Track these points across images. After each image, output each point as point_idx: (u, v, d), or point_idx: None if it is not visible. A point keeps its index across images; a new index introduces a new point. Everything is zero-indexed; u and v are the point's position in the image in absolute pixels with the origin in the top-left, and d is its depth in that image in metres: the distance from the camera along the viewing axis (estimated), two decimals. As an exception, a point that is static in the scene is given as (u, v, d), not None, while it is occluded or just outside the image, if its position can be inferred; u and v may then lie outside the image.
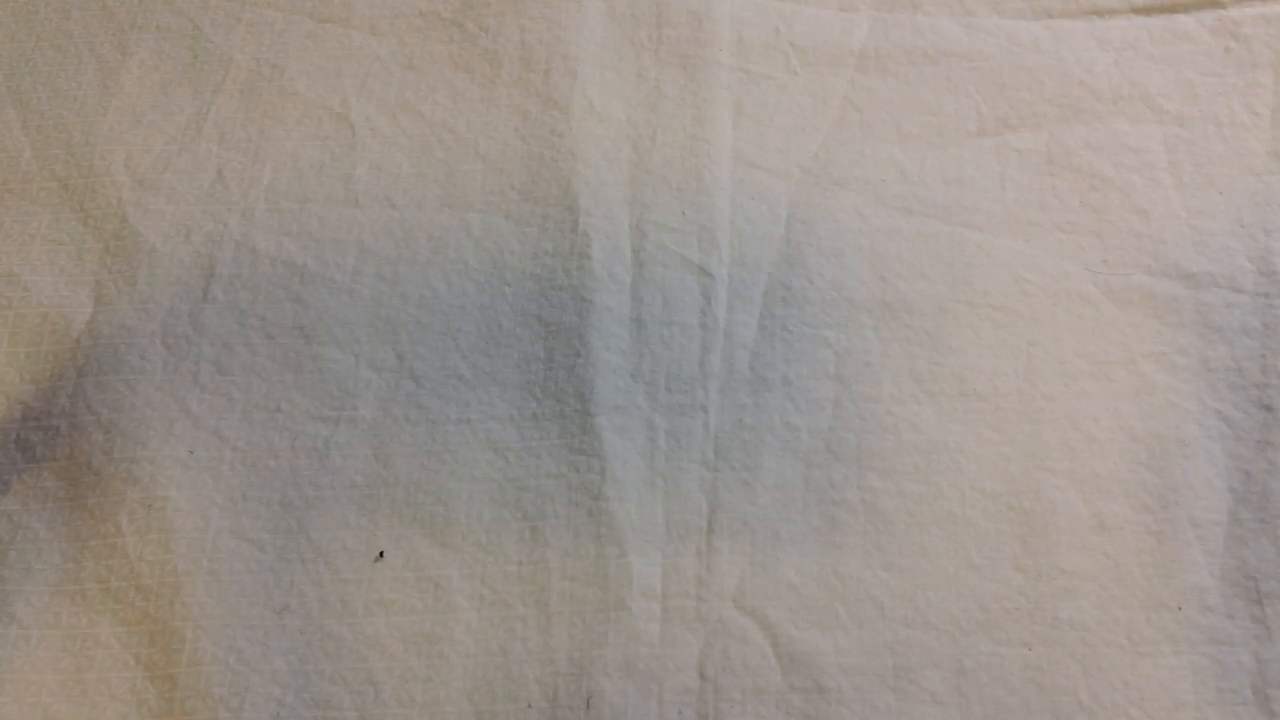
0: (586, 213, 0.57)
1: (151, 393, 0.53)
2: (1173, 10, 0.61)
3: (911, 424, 0.52)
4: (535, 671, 0.48)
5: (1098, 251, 0.55)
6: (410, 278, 0.56)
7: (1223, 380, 0.52)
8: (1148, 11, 0.61)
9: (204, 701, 0.47)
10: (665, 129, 0.59)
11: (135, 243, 0.57)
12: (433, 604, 0.49)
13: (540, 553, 0.50)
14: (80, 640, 0.48)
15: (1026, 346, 0.53)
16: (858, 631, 0.48)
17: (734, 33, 0.61)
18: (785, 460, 0.51)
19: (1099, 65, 0.59)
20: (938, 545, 0.49)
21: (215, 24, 0.63)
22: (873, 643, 0.48)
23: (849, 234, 0.56)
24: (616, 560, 0.49)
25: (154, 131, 0.60)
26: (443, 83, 0.61)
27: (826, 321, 0.54)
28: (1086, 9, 0.61)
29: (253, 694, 0.47)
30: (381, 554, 0.50)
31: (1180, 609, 0.48)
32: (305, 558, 0.50)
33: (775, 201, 0.57)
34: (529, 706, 0.47)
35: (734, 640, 0.48)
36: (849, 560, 0.49)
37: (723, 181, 0.57)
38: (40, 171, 0.59)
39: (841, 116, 0.59)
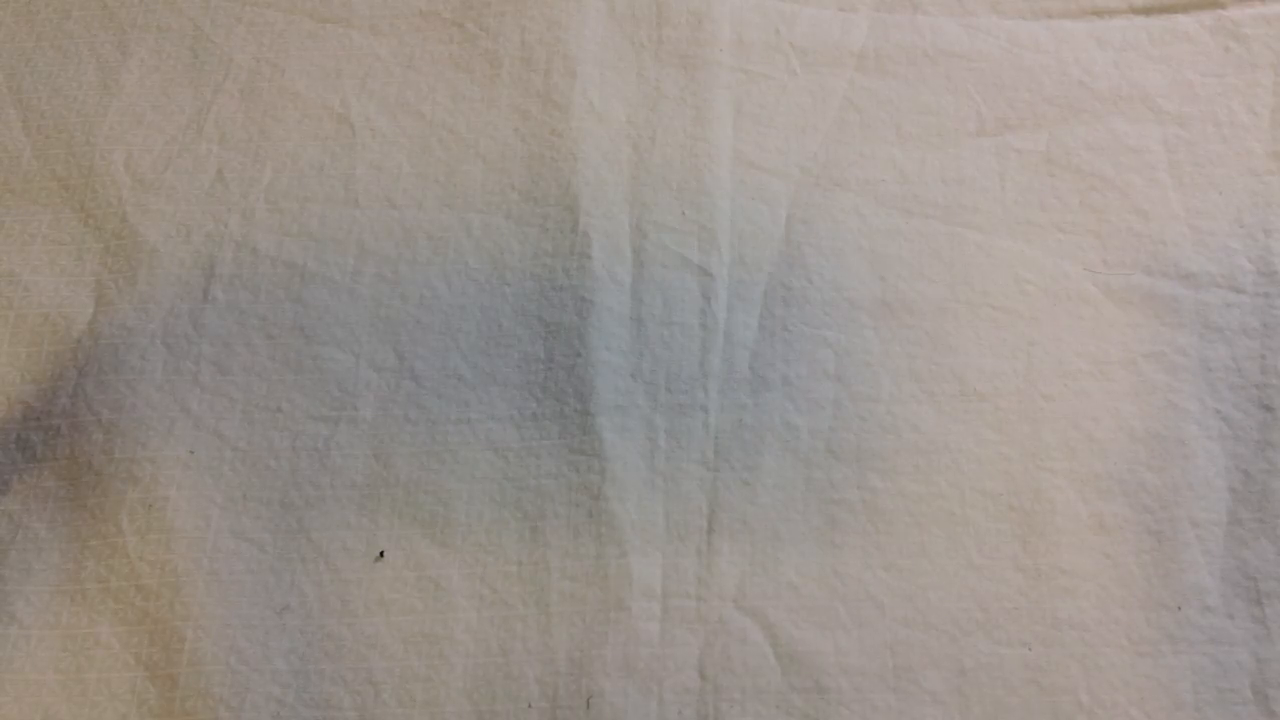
0: (586, 213, 0.57)
1: (152, 393, 0.53)
2: (1172, 10, 0.61)
3: (911, 424, 0.52)
4: (535, 671, 0.48)
5: (1097, 251, 0.55)
6: (410, 278, 0.56)
7: (1222, 380, 0.52)
8: (1147, 12, 0.61)
9: (204, 701, 0.47)
10: (665, 129, 0.59)
11: (135, 243, 0.57)
12: (433, 604, 0.49)
13: (540, 553, 0.50)
14: (80, 640, 0.48)
15: (1026, 346, 0.53)
16: (858, 631, 0.48)
17: (734, 33, 0.61)
18: (785, 460, 0.51)
19: (1099, 65, 0.59)
20: (938, 545, 0.49)
21: (215, 24, 0.63)
22: (873, 643, 0.48)
23: (849, 234, 0.56)
24: (616, 560, 0.49)
25: (154, 131, 0.60)
26: (443, 83, 0.61)
27: (826, 321, 0.54)
28: (1086, 9, 0.61)
29: (253, 694, 0.47)
30: (382, 554, 0.50)
31: (1180, 609, 0.48)
32: (305, 558, 0.50)
33: (775, 201, 0.57)
34: (529, 706, 0.47)
35: (734, 640, 0.48)
36: (849, 560, 0.49)
37: (723, 181, 0.57)
38: (41, 171, 0.59)
39: (841, 117, 0.59)
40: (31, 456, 0.52)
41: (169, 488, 0.51)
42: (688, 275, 0.55)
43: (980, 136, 0.58)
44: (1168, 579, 0.48)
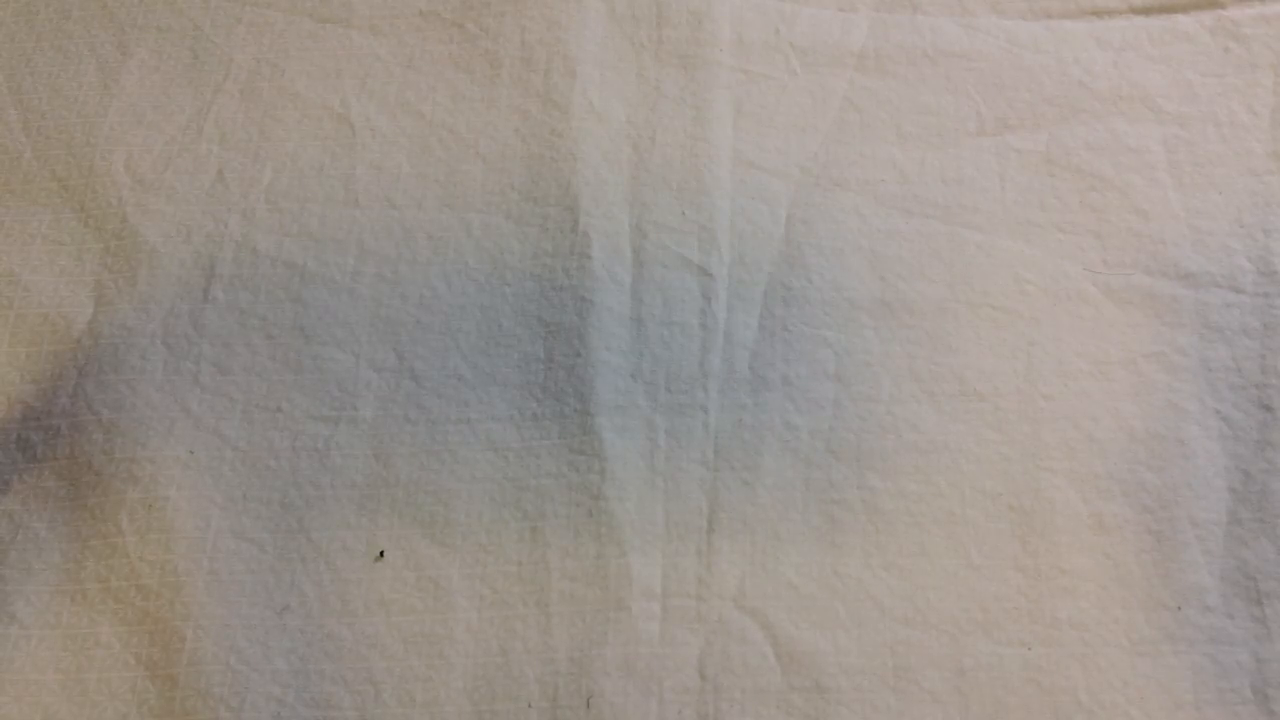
0: (586, 213, 0.57)
1: (152, 393, 0.53)
2: (1172, 11, 0.61)
3: (911, 424, 0.52)
4: (535, 671, 0.48)
5: (1097, 251, 0.55)
6: (410, 278, 0.56)
7: (1222, 380, 0.52)
8: (1147, 12, 0.61)
9: (204, 701, 0.47)
10: (665, 129, 0.59)
11: (135, 243, 0.57)
12: (433, 604, 0.49)
13: (540, 553, 0.50)
14: (80, 640, 0.48)
15: (1026, 346, 0.53)
16: (858, 631, 0.48)
17: (734, 33, 0.61)
18: (785, 460, 0.51)
19: (1098, 66, 0.59)
20: (938, 545, 0.49)
21: (215, 24, 0.63)
22: (873, 643, 0.48)
23: (849, 234, 0.56)
24: (616, 560, 0.49)
25: (154, 131, 0.60)
26: (443, 83, 0.61)
27: (826, 321, 0.54)
28: (1086, 9, 0.61)
29: (253, 694, 0.47)
30: (382, 554, 0.50)
31: (1180, 608, 0.48)
32: (305, 558, 0.50)
33: (775, 201, 0.57)
34: (529, 706, 0.47)
35: (734, 640, 0.48)
36: (849, 560, 0.49)
37: (723, 181, 0.57)
38: (41, 172, 0.59)
39: (841, 116, 0.59)
40: (31, 456, 0.52)
41: (169, 488, 0.51)
42: (688, 275, 0.55)
43: (980, 136, 0.58)
44: (1168, 579, 0.48)
